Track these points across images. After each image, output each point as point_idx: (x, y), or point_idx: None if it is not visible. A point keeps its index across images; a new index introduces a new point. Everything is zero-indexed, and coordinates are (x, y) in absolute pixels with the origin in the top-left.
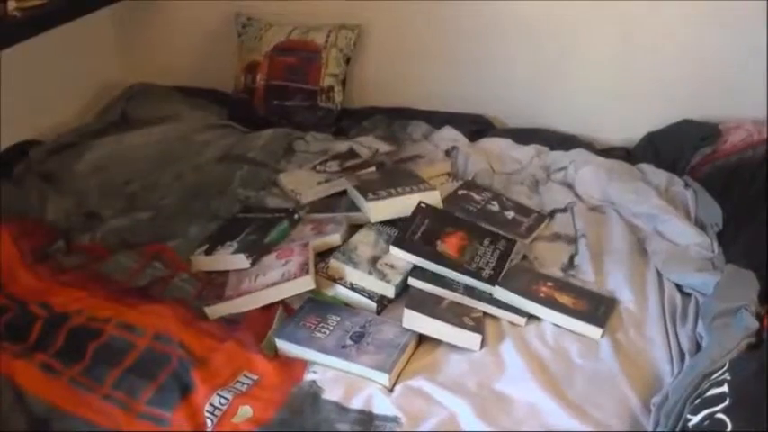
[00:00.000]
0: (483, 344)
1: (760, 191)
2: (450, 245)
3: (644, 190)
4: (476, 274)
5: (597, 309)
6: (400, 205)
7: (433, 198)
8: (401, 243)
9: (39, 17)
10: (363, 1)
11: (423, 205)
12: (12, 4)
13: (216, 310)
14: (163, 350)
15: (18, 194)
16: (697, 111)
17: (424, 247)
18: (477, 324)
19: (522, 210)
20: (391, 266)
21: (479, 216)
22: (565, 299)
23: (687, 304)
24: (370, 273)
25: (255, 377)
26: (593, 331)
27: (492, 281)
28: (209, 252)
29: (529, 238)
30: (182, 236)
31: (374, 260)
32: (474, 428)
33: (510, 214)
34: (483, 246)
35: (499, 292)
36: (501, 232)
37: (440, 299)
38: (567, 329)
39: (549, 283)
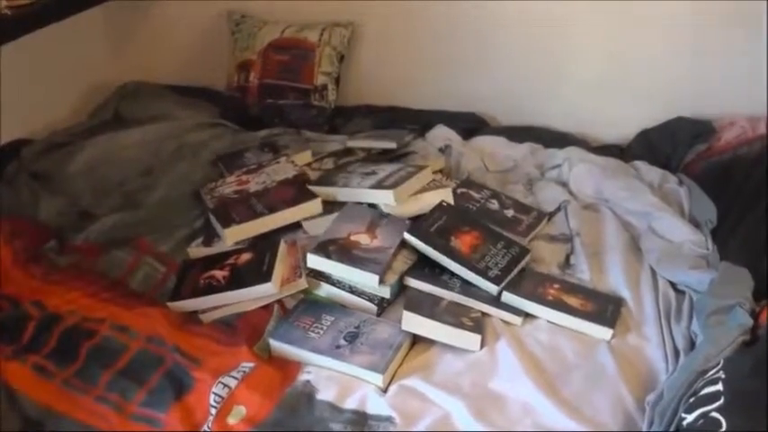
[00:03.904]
0: (482, 344)
1: (754, 188)
2: (463, 242)
3: (638, 187)
4: (483, 273)
5: (605, 309)
6: (416, 203)
7: (446, 195)
8: (416, 232)
9: (30, 15)
10: None
11: (444, 203)
12: (2, 3)
13: (210, 315)
14: (156, 352)
15: (10, 194)
16: (691, 108)
17: (438, 239)
18: (475, 324)
19: (522, 208)
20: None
21: (479, 214)
22: (572, 300)
23: (681, 302)
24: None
25: (252, 363)
26: (603, 332)
27: (498, 281)
28: (206, 244)
29: (528, 236)
30: (172, 235)
31: None
32: (468, 428)
33: (509, 212)
34: (496, 248)
35: (507, 297)
36: (514, 237)
37: (437, 299)
38: (565, 328)
39: (556, 285)
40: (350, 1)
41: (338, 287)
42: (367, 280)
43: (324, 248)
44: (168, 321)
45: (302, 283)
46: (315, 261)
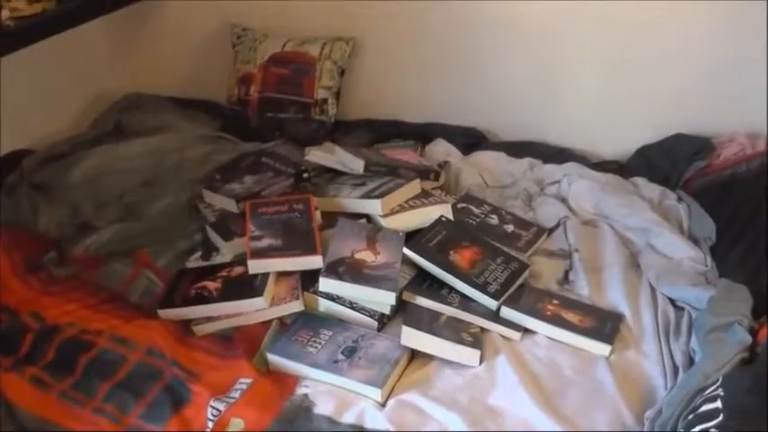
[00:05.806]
0: (481, 359)
1: (753, 205)
2: (462, 257)
3: (637, 204)
4: (482, 288)
5: (604, 325)
6: (415, 218)
7: (445, 210)
8: (415, 247)
9: (32, 27)
10: (358, 14)
11: (443, 218)
12: (5, 14)
13: (203, 329)
14: (155, 365)
15: (10, 204)
16: (690, 124)
17: (437, 254)
18: (474, 339)
19: (522, 223)
20: None
21: (479, 229)
22: (571, 316)
23: (680, 318)
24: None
25: (250, 380)
26: (602, 348)
27: (497, 296)
28: (205, 258)
29: (528, 251)
30: (172, 248)
31: None
32: None
33: (509, 228)
34: (495, 263)
35: (506, 312)
36: (513, 253)
37: (437, 314)
38: (564, 344)
39: (555, 301)
40: (351, 16)
41: (338, 302)
42: (383, 298)
43: (334, 270)
44: (167, 334)
45: (298, 305)
46: (328, 284)
